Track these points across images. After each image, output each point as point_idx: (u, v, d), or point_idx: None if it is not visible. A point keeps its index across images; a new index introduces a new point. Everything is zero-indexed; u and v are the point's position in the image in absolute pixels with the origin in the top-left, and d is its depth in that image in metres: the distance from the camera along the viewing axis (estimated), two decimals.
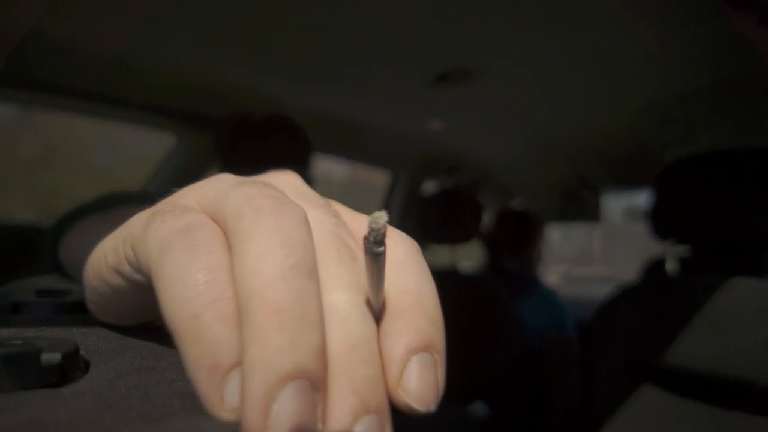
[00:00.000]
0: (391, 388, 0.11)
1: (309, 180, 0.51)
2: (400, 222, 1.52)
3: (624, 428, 0.67)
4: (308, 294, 0.11)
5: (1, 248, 0.84)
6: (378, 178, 1.58)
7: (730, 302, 0.61)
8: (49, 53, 0.71)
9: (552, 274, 2.13)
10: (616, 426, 0.67)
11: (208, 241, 0.12)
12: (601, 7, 0.66)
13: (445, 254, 1.25)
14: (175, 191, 0.16)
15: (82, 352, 0.15)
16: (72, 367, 0.14)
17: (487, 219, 1.42)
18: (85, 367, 0.15)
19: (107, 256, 0.16)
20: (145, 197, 0.28)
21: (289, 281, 0.11)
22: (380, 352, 0.12)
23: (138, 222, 0.15)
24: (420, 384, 0.12)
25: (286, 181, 0.16)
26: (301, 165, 0.82)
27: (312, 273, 0.11)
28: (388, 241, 0.11)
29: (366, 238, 0.11)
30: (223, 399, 0.11)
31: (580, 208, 1.72)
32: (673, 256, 0.76)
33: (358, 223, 0.15)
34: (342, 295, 0.12)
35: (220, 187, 0.14)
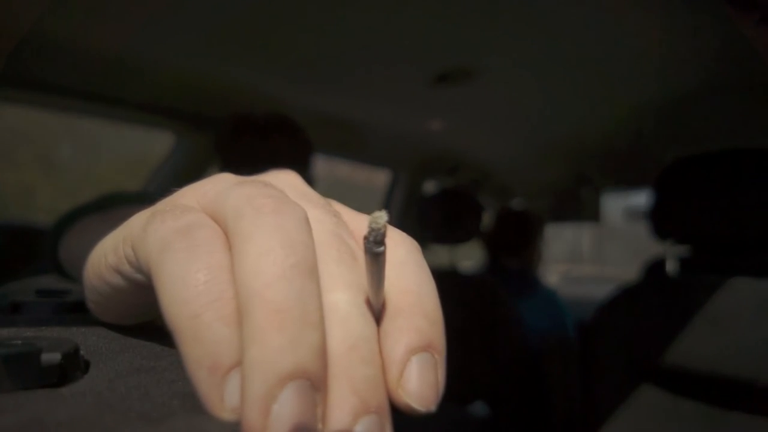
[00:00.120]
0: (392, 388, 0.11)
1: (309, 180, 0.51)
2: (400, 222, 1.52)
3: (624, 428, 0.67)
4: (308, 294, 0.11)
5: (1, 248, 0.84)
6: (378, 178, 1.58)
7: (730, 302, 0.61)
8: (49, 53, 0.71)
9: (552, 274, 2.13)
10: (616, 426, 0.68)
11: (208, 240, 0.12)
12: (601, 7, 0.66)
13: (445, 254, 1.25)
14: (174, 191, 0.16)
15: (82, 352, 0.15)
16: (72, 367, 0.14)
17: (487, 219, 1.42)
18: (85, 367, 0.15)
19: (107, 256, 0.16)
20: (145, 197, 0.28)
21: (290, 281, 0.11)
22: (380, 352, 0.12)
23: (138, 221, 0.15)
24: (420, 384, 0.12)
25: (286, 180, 0.16)
26: (301, 165, 0.82)
27: (312, 273, 0.11)
28: (388, 240, 0.11)
29: (366, 238, 0.11)
30: (223, 399, 0.11)
31: (580, 208, 1.72)
32: (673, 256, 0.76)
33: (358, 223, 0.15)
34: (342, 295, 0.12)
35: (220, 187, 0.14)
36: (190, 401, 0.13)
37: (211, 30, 0.72)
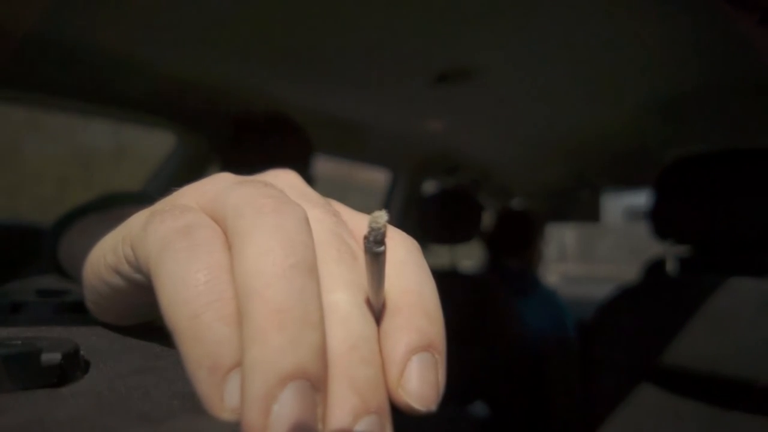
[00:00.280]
0: (392, 387, 0.11)
1: (309, 180, 0.51)
2: (400, 222, 1.52)
3: (624, 428, 0.67)
4: (309, 293, 0.11)
5: (1, 248, 0.84)
6: (378, 178, 1.58)
7: (730, 302, 0.61)
8: (49, 53, 0.71)
9: (552, 274, 2.13)
10: (616, 426, 0.68)
11: (208, 240, 0.12)
12: (601, 7, 0.66)
13: (445, 254, 1.25)
14: (174, 191, 0.16)
15: (82, 352, 0.15)
16: (72, 367, 0.14)
17: (487, 219, 1.42)
18: (85, 367, 0.15)
19: (106, 256, 0.16)
20: (145, 197, 0.28)
21: (290, 281, 0.11)
22: (380, 351, 0.12)
23: (137, 221, 0.15)
24: (420, 384, 0.11)
25: (286, 180, 0.16)
26: (301, 165, 0.82)
27: (312, 272, 0.11)
28: (388, 240, 0.11)
29: (366, 238, 0.11)
30: (223, 399, 0.11)
31: (580, 208, 1.72)
32: (673, 256, 0.76)
33: (358, 223, 0.15)
34: (342, 295, 0.12)
35: (220, 187, 0.14)
36: (190, 401, 0.13)
37: (211, 30, 0.72)
